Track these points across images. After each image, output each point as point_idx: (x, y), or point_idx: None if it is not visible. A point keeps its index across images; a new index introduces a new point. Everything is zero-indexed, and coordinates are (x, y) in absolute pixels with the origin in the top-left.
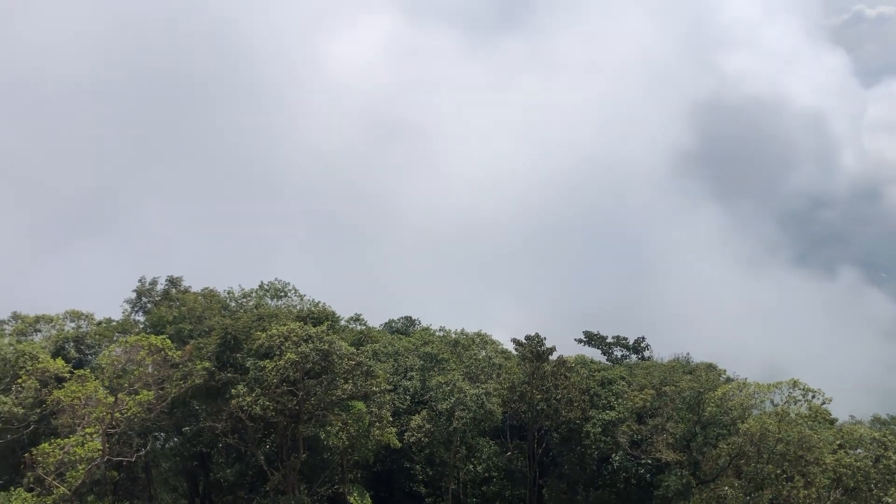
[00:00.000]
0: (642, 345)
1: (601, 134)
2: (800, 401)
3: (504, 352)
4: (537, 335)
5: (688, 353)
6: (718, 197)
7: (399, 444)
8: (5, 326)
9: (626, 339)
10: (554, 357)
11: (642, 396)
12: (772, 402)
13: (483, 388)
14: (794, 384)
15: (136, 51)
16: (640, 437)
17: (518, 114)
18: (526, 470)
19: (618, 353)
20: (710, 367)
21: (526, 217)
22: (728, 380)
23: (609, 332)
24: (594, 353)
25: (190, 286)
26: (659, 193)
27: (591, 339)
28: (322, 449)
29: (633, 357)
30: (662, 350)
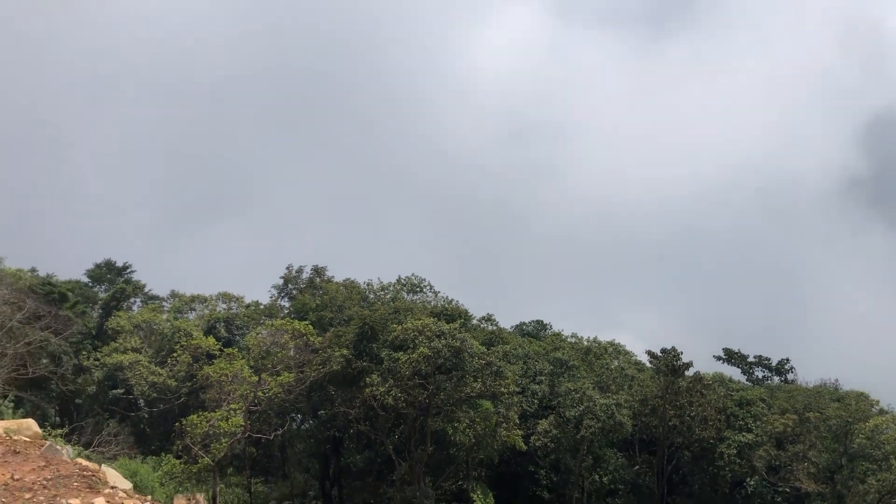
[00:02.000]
0: (786, 367)
1: (760, 146)
2: None
3: (637, 363)
4: (673, 349)
5: (836, 380)
6: (886, 220)
7: (525, 447)
8: (164, 304)
9: (768, 359)
10: (690, 372)
11: (783, 421)
12: None
13: (614, 399)
14: None
15: (273, 47)
16: (778, 463)
17: (669, 120)
18: (653, 486)
19: (758, 373)
20: (862, 396)
21: (669, 224)
22: (881, 411)
23: (750, 352)
24: (733, 372)
25: (333, 276)
26: (818, 213)
27: (731, 356)
28: (449, 444)
29: (776, 379)
30: (808, 374)
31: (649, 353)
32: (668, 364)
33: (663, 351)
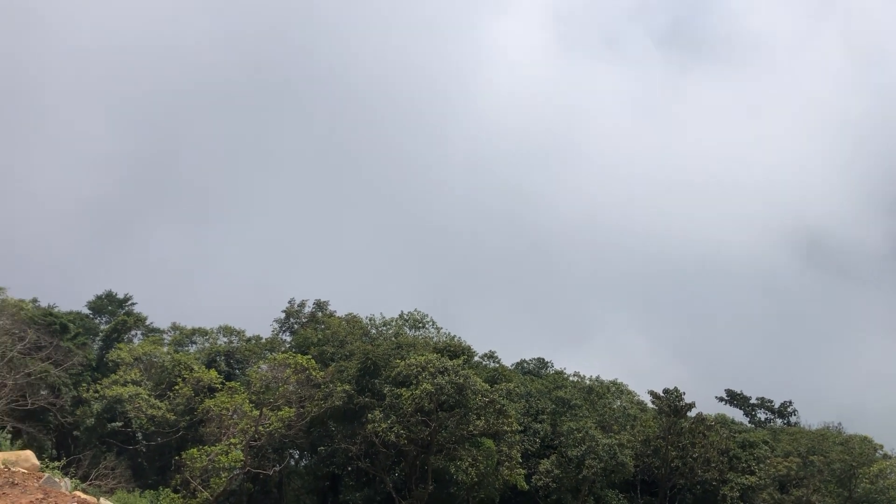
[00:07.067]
0: (789, 409)
1: (794, 190)
2: None
3: (639, 403)
4: (676, 389)
5: (839, 424)
6: None
7: (526, 487)
8: (165, 336)
9: (771, 401)
10: (692, 413)
11: (786, 464)
12: None
13: (616, 439)
14: None
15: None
16: None
17: (688, 156)
18: None
19: (761, 415)
20: (866, 441)
21: (672, 257)
22: (886, 456)
23: (753, 393)
24: (736, 414)
25: (335, 311)
26: (840, 261)
27: (734, 398)
28: (450, 482)
29: (778, 421)
30: (811, 416)
31: (652, 393)
32: (671, 404)
33: (665, 391)
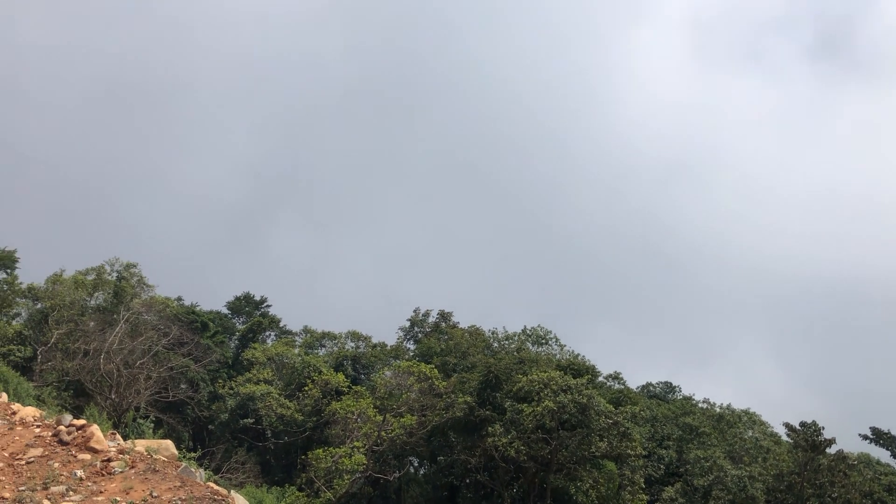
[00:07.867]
0: None
1: None
2: None
3: (773, 435)
4: (814, 423)
5: None
6: None
7: None
8: (296, 338)
9: None
10: (832, 450)
11: None
12: None
13: (746, 471)
14: None
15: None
16: None
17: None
18: None
19: None
20: None
21: (814, 282)
22: None
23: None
24: (881, 454)
25: (458, 322)
26: None
27: (880, 437)
28: (569, 503)
29: None
30: None
31: (787, 425)
32: (808, 439)
33: (802, 424)
